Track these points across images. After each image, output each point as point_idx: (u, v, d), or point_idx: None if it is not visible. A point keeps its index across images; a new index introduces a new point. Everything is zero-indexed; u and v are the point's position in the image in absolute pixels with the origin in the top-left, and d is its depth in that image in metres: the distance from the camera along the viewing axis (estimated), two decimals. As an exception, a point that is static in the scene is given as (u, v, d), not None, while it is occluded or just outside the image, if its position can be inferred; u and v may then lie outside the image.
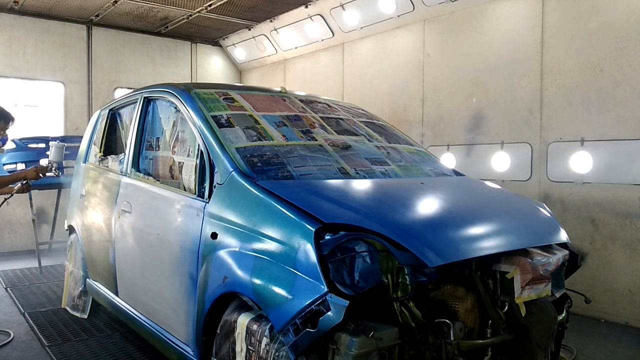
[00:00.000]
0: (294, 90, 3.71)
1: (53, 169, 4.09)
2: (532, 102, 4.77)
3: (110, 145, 4.08)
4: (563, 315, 2.56)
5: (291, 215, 2.07)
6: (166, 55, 8.34)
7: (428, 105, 5.77)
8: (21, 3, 6.71)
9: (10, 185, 3.89)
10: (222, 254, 2.30)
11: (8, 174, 5.75)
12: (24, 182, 3.87)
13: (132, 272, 3.26)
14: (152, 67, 8.17)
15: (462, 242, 2.15)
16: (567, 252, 2.52)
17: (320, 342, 1.87)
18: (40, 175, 3.84)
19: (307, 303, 1.84)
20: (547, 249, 2.43)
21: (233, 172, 2.44)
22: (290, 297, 1.91)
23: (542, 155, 4.68)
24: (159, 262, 2.87)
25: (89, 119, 5.02)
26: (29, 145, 5.98)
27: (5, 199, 3.98)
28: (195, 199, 2.61)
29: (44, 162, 4.32)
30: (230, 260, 2.25)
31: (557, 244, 2.53)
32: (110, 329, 3.94)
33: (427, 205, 2.50)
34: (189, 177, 2.76)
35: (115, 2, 6.70)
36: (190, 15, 7.28)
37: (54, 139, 6.12)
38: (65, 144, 4.40)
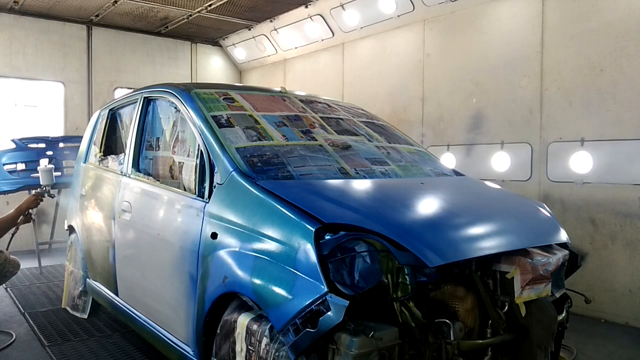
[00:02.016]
0: (294, 90, 3.71)
1: (47, 191, 4.19)
2: (532, 102, 4.77)
3: (110, 145, 4.08)
4: (563, 315, 2.56)
5: (291, 215, 2.07)
6: (166, 55, 8.34)
7: (428, 105, 5.77)
8: (21, 3, 6.71)
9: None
10: (222, 254, 2.30)
11: (8, 174, 5.78)
12: (27, 213, 3.96)
13: (132, 272, 3.26)
14: (152, 67, 8.17)
15: (462, 242, 2.15)
16: (567, 252, 2.52)
17: (320, 342, 1.87)
18: (39, 201, 3.97)
19: (307, 303, 1.84)
20: (547, 249, 2.43)
21: (233, 172, 2.44)
22: (290, 297, 1.91)
23: (542, 155, 4.68)
24: (159, 262, 2.87)
25: (89, 119, 5.02)
26: (29, 145, 5.99)
27: (13, 234, 4.11)
28: (195, 199, 2.61)
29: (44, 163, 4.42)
30: (230, 260, 2.25)
31: (557, 244, 2.53)
32: (110, 329, 3.94)
33: (427, 205, 2.50)
34: (189, 177, 2.76)
35: (115, 2, 6.70)
36: (190, 15, 7.28)
37: (54, 139, 6.14)
38: (53, 166, 4.48)
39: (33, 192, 4.20)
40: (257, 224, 2.19)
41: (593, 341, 3.81)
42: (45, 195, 4.18)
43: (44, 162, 4.41)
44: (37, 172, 5.84)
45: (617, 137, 4.18)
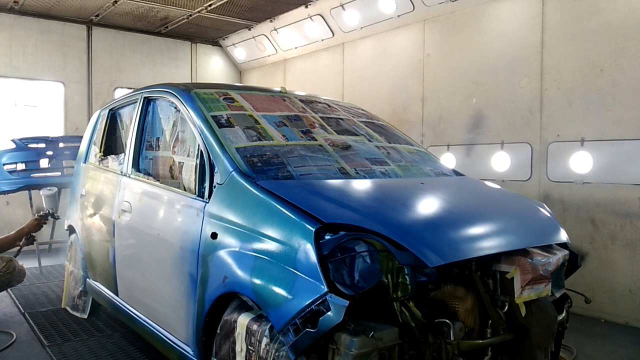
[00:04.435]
0: (294, 90, 3.71)
1: (52, 215, 4.19)
2: (532, 102, 4.77)
3: (110, 145, 4.08)
4: (563, 315, 2.56)
5: (291, 215, 2.07)
6: (166, 55, 8.34)
7: (428, 105, 5.77)
8: (21, 3, 6.71)
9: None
10: (222, 254, 2.30)
11: (8, 174, 5.78)
12: (28, 236, 3.97)
13: (132, 272, 3.26)
14: (152, 67, 8.17)
15: (462, 242, 2.15)
16: (567, 252, 2.52)
17: (320, 342, 1.87)
18: (43, 224, 3.98)
19: (307, 303, 1.84)
20: (547, 249, 2.43)
21: (233, 172, 2.44)
22: (290, 297, 1.91)
23: (542, 155, 4.68)
24: (159, 262, 2.87)
25: (89, 119, 5.02)
26: (29, 146, 5.98)
27: (15, 256, 4.11)
28: (195, 199, 2.61)
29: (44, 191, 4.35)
30: (230, 260, 2.25)
31: (557, 244, 2.53)
32: (110, 329, 3.94)
33: (427, 205, 2.50)
34: (189, 177, 2.76)
35: (115, 2, 6.70)
36: (190, 15, 7.28)
37: (54, 139, 6.13)
38: (56, 189, 4.42)
39: (36, 215, 4.17)
40: (257, 224, 2.19)
41: (593, 341, 3.81)
42: (49, 217, 4.20)
43: (46, 185, 4.29)
44: (38, 172, 5.87)
45: (617, 137, 4.18)
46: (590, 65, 4.36)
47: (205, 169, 2.60)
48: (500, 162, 4.99)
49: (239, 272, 2.18)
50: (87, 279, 4.03)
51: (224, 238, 2.33)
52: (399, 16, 5.97)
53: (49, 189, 4.24)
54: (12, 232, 4.02)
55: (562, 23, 4.56)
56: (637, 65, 4.08)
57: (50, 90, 7.39)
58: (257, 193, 2.28)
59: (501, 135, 5.01)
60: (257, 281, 2.06)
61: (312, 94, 3.83)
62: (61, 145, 6.13)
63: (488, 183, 3.24)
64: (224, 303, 2.32)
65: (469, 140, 5.31)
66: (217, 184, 2.49)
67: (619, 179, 4.17)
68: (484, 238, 2.25)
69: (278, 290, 1.97)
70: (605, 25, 4.26)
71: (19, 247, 4.09)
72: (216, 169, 2.53)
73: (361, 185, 2.57)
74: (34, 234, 4.07)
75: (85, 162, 4.29)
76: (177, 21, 7.58)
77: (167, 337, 2.81)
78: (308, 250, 1.91)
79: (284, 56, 7.95)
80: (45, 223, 4.10)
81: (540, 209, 2.77)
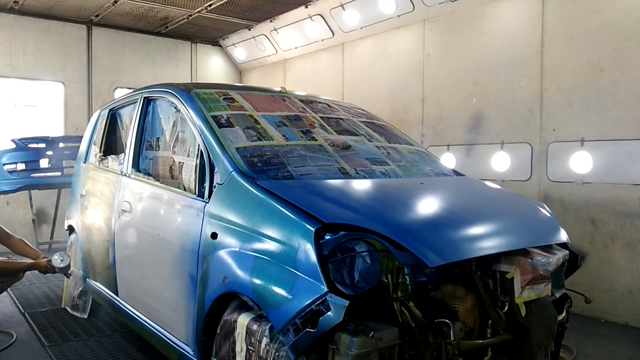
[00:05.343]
0: (294, 90, 3.71)
1: (65, 274, 4.10)
2: (532, 102, 4.77)
3: (110, 145, 4.08)
4: (563, 315, 2.56)
5: (291, 215, 2.07)
6: (166, 55, 8.34)
7: (428, 105, 5.77)
8: (21, 3, 6.71)
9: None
10: (222, 254, 2.30)
11: (8, 174, 5.77)
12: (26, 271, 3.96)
13: (132, 272, 3.26)
14: (152, 67, 8.17)
15: (462, 242, 2.15)
16: (567, 252, 2.52)
17: (320, 342, 1.87)
18: (49, 272, 3.86)
19: (307, 303, 1.84)
20: (547, 249, 2.43)
21: (233, 172, 2.44)
22: (290, 297, 1.91)
23: (542, 155, 4.68)
24: (159, 262, 2.87)
25: (89, 119, 5.02)
26: (29, 145, 5.98)
27: (24, 272, 4.02)
28: (195, 199, 2.61)
29: (56, 257, 4.11)
30: (230, 260, 2.25)
31: (557, 244, 2.53)
32: (110, 329, 3.94)
33: (427, 205, 2.50)
34: (189, 177, 2.77)
35: (115, 2, 6.70)
36: (190, 15, 7.28)
37: (54, 139, 6.13)
38: (69, 259, 4.12)
39: (48, 263, 3.83)
40: (257, 224, 2.19)
41: (593, 341, 3.81)
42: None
43: (59, 257, 3.95)
44: (38, 172, 5.87)
45: (617, 137, 4.18)
46: (590, 65, 4.36)
47: (205, 169, 2.60)
48: (500, 162, 4.99)
49: (239, 272, 2.18)
50: (87, 279, 4.03)
51: (224, 238, 2.33)
52: (399, 16, 5.97)
53: (61, 259, 3.72)
54: (22, 262, 3.88)
55: (562, 23, 4.56)
56: (637, 65, 4.08)
57: (50, 90, 7.39)
58: (257, 193, 2.28)
59: (501, 135, 5.01)
60: (257, 281, 2.06)
61: (312, 94, 3.83)
62: (61, 145, 6.13)
63: (488, 183, 3.24)
64: (224, 303, 2.32)
65: (469, 140, 5.31)
66: (217, 184, 2.49)
67: (619, 179, 4.17)
68: (484, 238, 2.25)
69: (278, 290, 1.97)
70: (605, 25, 4.26)
71: (23, 272, 4.03)
72: (216, 169, 2.53)
73: (361, 185, 2.57)
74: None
75: (85, 162, 4.29)
76: (177, 21, 7.58)
77: (167, 337, 2.81)
78: (308, 250, 1.91)
79: (284, 56, 7.95)
80: (54, 273, 4.03)
81: (540, 209, 2.77)
